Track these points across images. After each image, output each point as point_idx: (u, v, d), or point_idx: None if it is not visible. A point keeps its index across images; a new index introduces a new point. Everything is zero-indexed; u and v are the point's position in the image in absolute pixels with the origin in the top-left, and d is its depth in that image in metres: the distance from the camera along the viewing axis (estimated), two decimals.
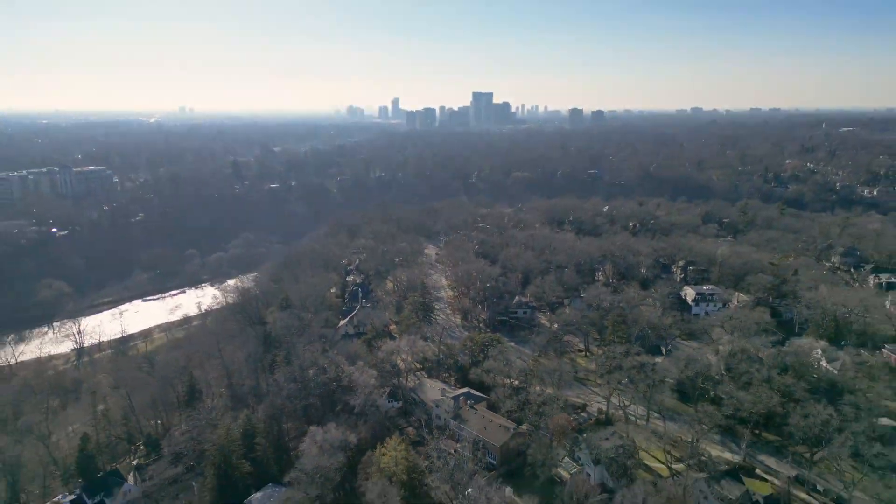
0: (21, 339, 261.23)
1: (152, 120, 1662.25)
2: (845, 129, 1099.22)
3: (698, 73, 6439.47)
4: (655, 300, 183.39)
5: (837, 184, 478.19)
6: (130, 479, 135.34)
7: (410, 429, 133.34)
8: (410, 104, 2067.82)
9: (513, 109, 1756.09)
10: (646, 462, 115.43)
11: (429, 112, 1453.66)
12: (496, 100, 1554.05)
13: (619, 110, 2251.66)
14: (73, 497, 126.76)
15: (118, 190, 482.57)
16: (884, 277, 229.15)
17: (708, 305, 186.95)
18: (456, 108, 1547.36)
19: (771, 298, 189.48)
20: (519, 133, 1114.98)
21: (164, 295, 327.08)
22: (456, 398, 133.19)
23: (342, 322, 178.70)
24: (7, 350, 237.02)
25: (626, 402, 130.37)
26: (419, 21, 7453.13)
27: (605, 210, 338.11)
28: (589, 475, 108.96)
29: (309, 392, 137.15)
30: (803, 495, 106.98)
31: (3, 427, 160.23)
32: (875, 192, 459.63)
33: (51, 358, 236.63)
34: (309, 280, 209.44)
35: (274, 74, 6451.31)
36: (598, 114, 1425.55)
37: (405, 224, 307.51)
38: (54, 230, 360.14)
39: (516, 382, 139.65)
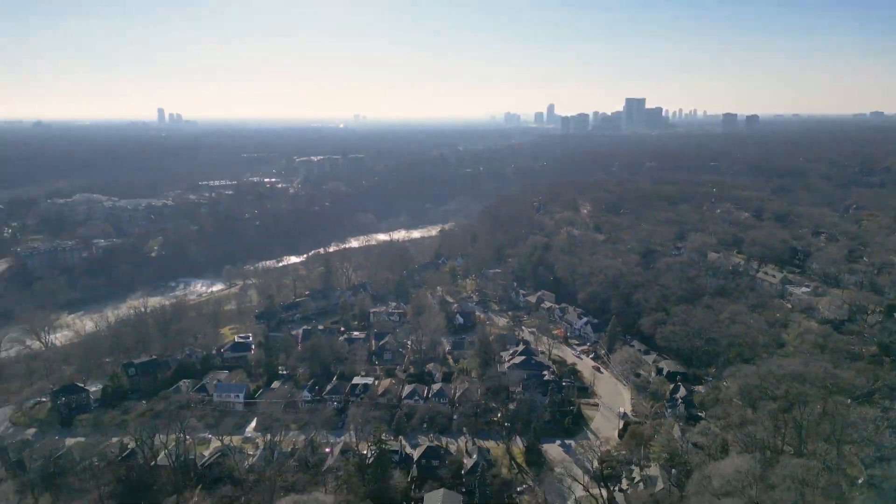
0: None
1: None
2: None
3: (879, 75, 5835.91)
4: None
5: None
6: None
7: None
8: (565, 110, 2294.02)
9: (668, 114, 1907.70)
10: None
11: (582, 117, 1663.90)
12: (649, 105, 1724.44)
13: (787, 114, 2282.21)
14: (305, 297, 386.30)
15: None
16: None
17: None
18: (609, 114, 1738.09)
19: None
20: (666, 136, 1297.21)
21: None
22: None
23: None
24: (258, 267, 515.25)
25: None
26: (574, 26, 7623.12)
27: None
28: None
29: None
30: None
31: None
32: None
33: None
34: (514, 202, 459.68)
35: (431, 83, 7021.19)
36: (753, 118, 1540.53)
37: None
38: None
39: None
